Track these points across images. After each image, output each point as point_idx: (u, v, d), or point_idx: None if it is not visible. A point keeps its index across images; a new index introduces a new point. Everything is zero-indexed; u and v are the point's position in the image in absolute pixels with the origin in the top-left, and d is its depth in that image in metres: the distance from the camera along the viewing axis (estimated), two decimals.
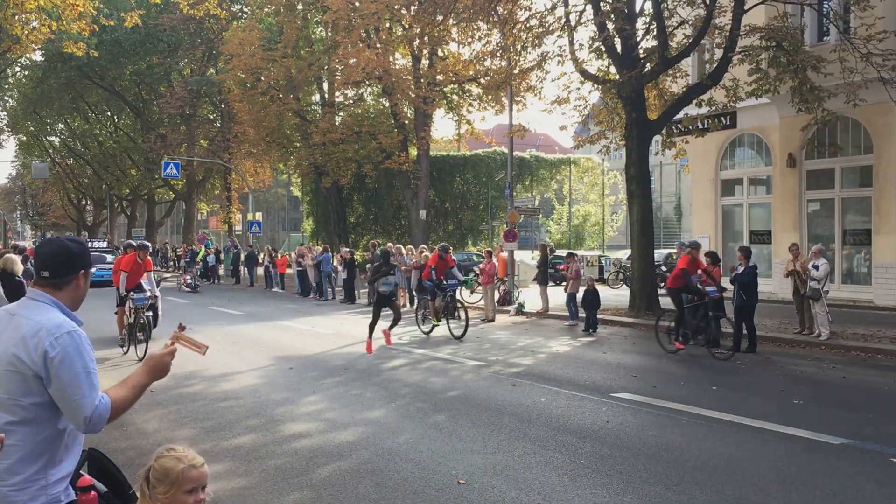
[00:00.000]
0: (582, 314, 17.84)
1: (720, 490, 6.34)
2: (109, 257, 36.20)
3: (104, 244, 42.25)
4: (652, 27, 19.49)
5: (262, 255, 36.41)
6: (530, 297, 22.67)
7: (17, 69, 48.96)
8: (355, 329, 17.94)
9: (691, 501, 6.11)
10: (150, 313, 14.73)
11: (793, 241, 17.58)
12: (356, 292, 26.05)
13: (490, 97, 32.53)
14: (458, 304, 17.20)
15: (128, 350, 13.96)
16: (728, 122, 23.36)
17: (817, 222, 22.48)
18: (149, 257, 15.24)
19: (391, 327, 15.25)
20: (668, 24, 18.97)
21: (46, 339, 2.84)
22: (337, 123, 35.49)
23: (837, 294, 20.02)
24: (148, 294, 14.34)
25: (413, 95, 32.22)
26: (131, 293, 14.24)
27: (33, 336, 2.85)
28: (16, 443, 2.83)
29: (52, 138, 60.61)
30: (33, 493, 2.84)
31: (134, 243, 16.37)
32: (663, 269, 28.32)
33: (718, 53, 19.59)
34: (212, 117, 49.25)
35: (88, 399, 2.84)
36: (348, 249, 26.83)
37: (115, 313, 15.44)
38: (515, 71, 22.52)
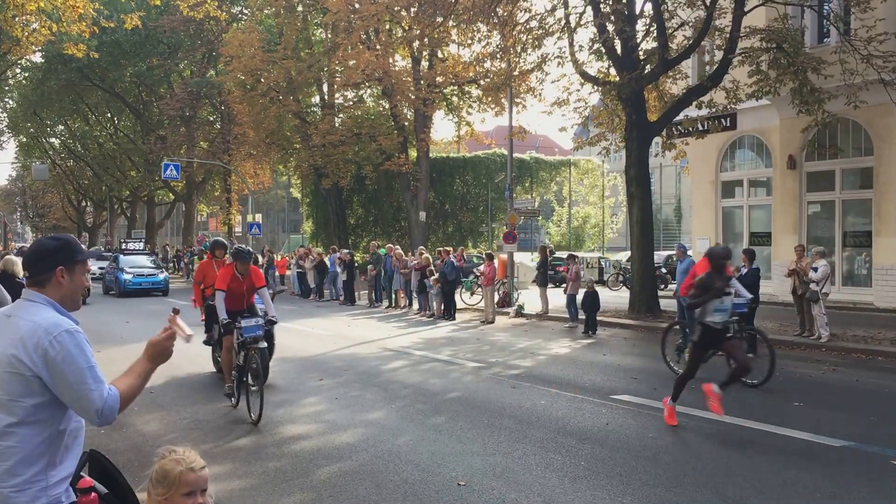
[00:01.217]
0: (582, 316, 17.84)
1: (720, 492, 6.33)
2: (145, 259, 32.70)
3: (139, 245, 37.83)
4: (652, 29, 19.48)
5: (278, 255, 35.66)
6: (530, 298, 22.66)
7: (18, 71, 48.96)
8: (355, 331, 17.93)
9: (691, 503, 6.10)
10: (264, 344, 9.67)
11: (798, 244, 17.57)
12: (356, 294, 26.09)
13: (490, 99, 32.51)
14: (757, 336, 12.20)
15: (238, 402, 9.59)
16: (728, 124, 23.34)
17: (817, 224, 22.47)
18: (255, 266, 10.31)
19: (727, 383, 8.92)
20: (668, 26, 18.96)
21: (45, 339, 2.84)
22: (337, 125, 35.51)
23: (838, 296, 20.00)
24: (262, 320, 9.54)
25: (413, 97, 32.24)
26: (239, 320, 9.45)
27: (31, 336, 2.85)
28: (16, 444, 2.82)
29: (53, 140, 60.65)
30: (34, 494, 2.84)
31: (223, 240, 12.52)
32: (663, 270, 28.35)
33: (718, 55, 19.58)
34: (212, 119, 49.25)
35: (97, 392, 2.85)
36: (348, 251, 26.86)
37: (212, 346, 11.96)
38: (515, 72, 22.53)
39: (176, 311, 3.28)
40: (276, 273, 31.72)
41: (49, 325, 2.88)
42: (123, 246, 36.21)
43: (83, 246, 3.19)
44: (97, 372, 2.89)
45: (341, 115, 37.23)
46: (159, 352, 3.11)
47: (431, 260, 22.16)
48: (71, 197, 68.71)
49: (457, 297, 22.22)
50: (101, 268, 37.02)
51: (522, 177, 44.20)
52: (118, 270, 30.46)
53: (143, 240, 41.24)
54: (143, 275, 30.34)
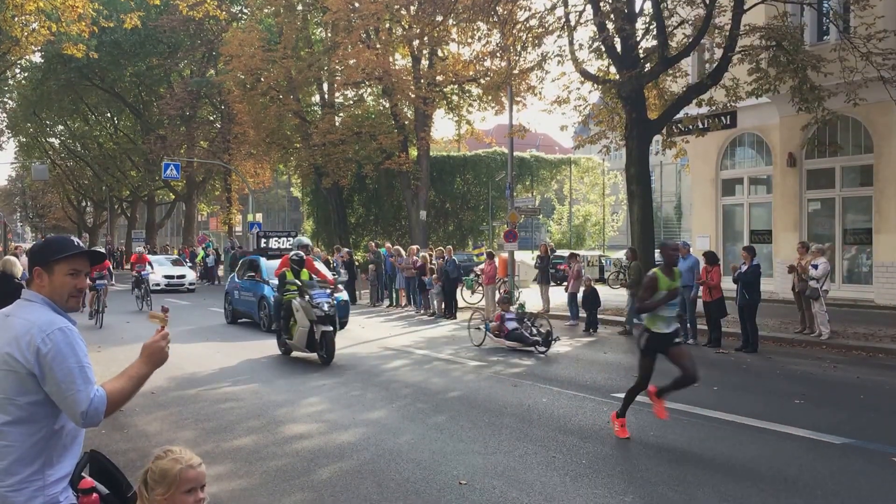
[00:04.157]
0: (582, 314, 17.84)
1: (722, 490, 6.33)
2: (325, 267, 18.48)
3: (282, 241, 22.83)
4: (652, 27, 19.47)
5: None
6: (531, 297, 22.67)
7: (17, 71, 48.91)
8: (356, 330, 17.92)
9: (692, 501, 6.10)
10: None
11: (799, 241, 17.58)
12: (357, 293, 26.08)
13: (490, 97, 32.50)
14: None
15: None
16: (728, 122, 23.33)
17: (818, 222, 22.46)
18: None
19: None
20: (667, 24, 18.94)
21: (38, 337, 2.84)
22: (337, 124, 35.48)
23: (838, 293, 20.00)
24: None
25: (413, 96, 32.22)
26: None
27: (25, 334, 2.86)
28: (11, 443, 2.83)
29: (52, 140, 60.60)
30: (30, 493, 2.84)
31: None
32: None
33: (718, 53, 19.56)
34: (212, 118, 49.25)
35: (84, 393, 2.84)
36: (348, 250, 26.84)
37: None
38: (515, 71, 22.50)
39: (164, 310, 3.27)
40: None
41: (43, 323, 2.88)
42: (263, 242, 22.21)
43: (78, 244, 3.11)
44: (88, 372, 2.88)
45: (341, 115, 37.20)
46: (155, 353, 3.09)
47: (429, 259, 22.15)
48: (71, 197, 68.65)
49: (458, 295, 22.21)
50: (167, 276, 30.65)
51: (523, 175, 44.19)
52: (260, 284, 18.14)
53: (293, 233, 24.95)
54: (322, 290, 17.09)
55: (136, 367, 3.07)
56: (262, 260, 19.42)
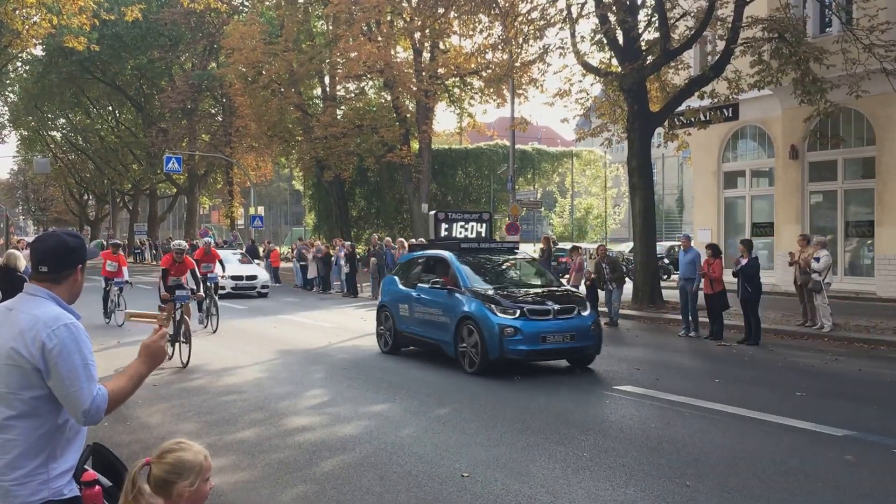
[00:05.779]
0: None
1: (723, 482, 6.34)
2: (524, 267, 13.81)
3: (470, 226, 16.76)
4: (654, 19, 19.44)
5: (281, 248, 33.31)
6: None
7: (19, 64, 48.90)
8: (358, 323, 17.92)
9: (694, 494, 6.10)
10: None
11: (800, 234, 17.56)
12: (359, 286, 26.07)
13: (492, 90, 32.50)
14: None
15: None
16: (730, 114, 23.28)
17: (820, 214, 22.44)
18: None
19: None
20: (669, 16, 18.91)
21: (44, 332, 2.84)
22: (338, 117, 35.51)
23: (840, 286, 19.99)
24: None
25: (414, 89, 32.20)
26: None
27: (30, 329, 2.86)
28: (15, 437, 2.83)
29: (54, 133, 60.64)
30: (35, 487, 2.84)
31: None
32: (665, 261, 28.35)
33: (720, 45, 19.53)
34: (213, 111, 49.28)
35: (86, 391, 2.84)
36: (350, 243, 26.82)
37: None
38: (517, 64, 22.49)
39: (162, 310, 3.31)
40: (271, 266, 31.85)
41: (48, 319, 2.89)
42: (444, 230, 16.15)
43: None
44: (91, 370, 2.89)
45: (343, 108, 37.21)
46: (154, 352, 3.09)
47: None
48: (73, 190, 68.70)
49: None
50: (235, 277, 23.90)
51: (525, 168, 44.14)
52: (457, 297, 11.75)
53: (487, 217, 18.53)
54: (542, 313, 11.28)
55: (135, 366, 3.07)
56: (453, 258, 12.40)
